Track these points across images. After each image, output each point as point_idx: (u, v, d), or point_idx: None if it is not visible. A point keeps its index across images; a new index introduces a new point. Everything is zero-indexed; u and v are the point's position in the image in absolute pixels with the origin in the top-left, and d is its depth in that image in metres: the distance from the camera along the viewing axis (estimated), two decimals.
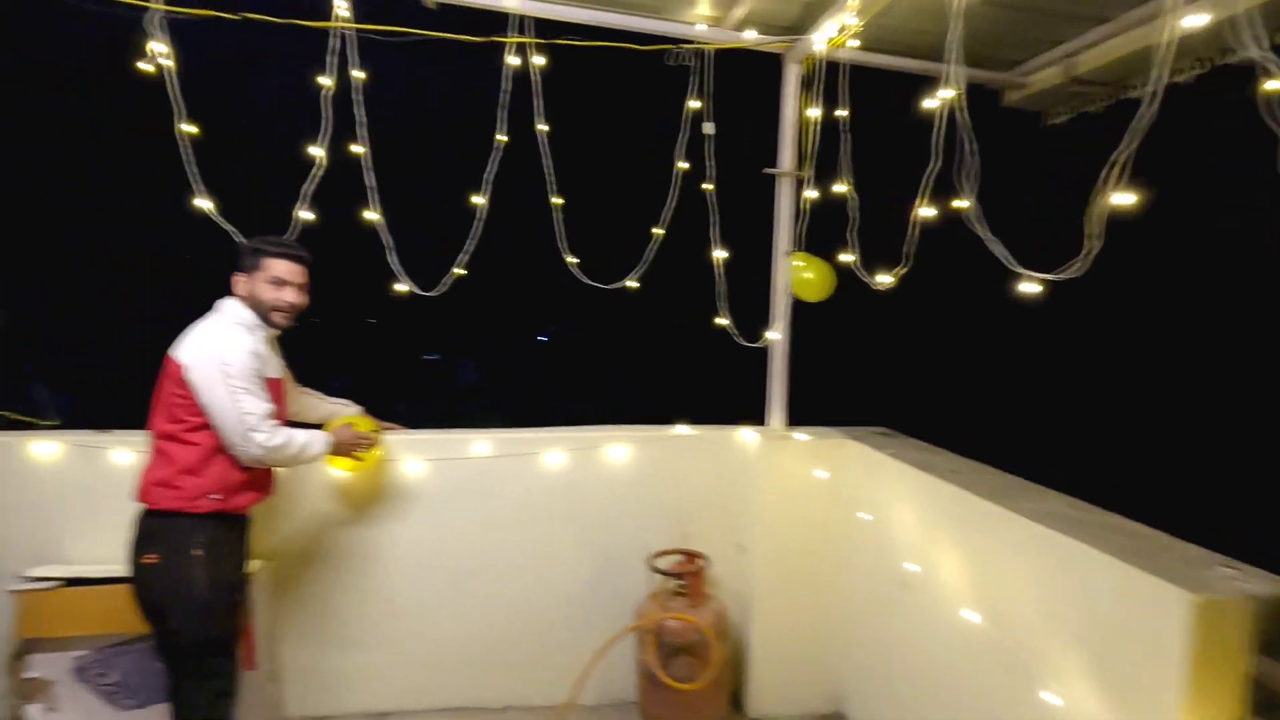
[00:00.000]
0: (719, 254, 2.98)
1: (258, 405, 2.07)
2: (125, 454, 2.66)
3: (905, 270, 2.20)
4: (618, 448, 2.99)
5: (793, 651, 2.93)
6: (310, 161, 2.76)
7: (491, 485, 2.92)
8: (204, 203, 2.66)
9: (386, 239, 2.84)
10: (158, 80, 2.60)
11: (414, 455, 2.86)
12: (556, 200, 2.96)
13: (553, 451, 2.94)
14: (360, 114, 2.73)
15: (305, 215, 2.77)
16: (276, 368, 2.30)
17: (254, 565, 2.53)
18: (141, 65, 2.57)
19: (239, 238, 2.51)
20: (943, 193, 2.26)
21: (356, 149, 2.76)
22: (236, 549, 2.23)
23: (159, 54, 2.60)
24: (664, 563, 2.84)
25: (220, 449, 2.10)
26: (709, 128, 2.92)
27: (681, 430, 3.07)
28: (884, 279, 2.28)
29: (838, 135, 2.78)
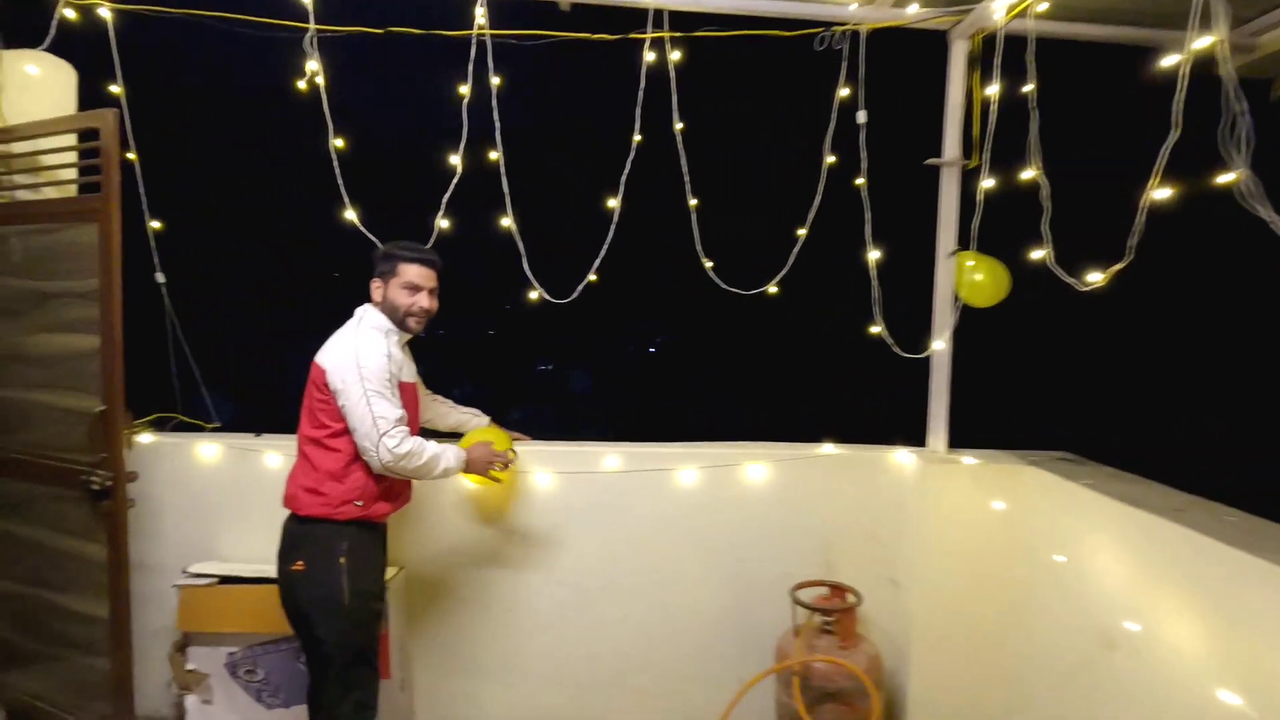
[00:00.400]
0: (873, 255, 2.69)
1: (390, 410, 2.03)
2: (276, 457, 2.75)
3: (1124, 266, 1.83)
4: (756, 466, 2.76)
5: (959, 708, 2.56)
6: (444, 169, 2.76)
7: (622, 501, 2.78)
8: (351, 214, 2.73)
9: (520, 245, 2.79)
10: (305, 98, 2.70)
11: (543, 468, 2.77)
12: (693, 201, 2.80)
13: (686, 469, 2.76)
14: (497, 120, 2.70)
15: (442, 223, 2.78)
16: (411, 373, 2.27)
17: (390, 573, 2.53)
18: (300, 84, 2.68)
19: (380, 245, 2.54)
20: (1141, 177, 1.89)
21: (493, 155, 2.74)
22: (377, 557, 2.21)
23: (314, 72, 2.70)
24: (808, 595, 2.57)
25: (360, 455, 2.08)
26: (861, 116, 2.65)
27: (827, 450, 2.79)
28: (1093, 277, 1.91)
29: (1004, 118, 2.43)
